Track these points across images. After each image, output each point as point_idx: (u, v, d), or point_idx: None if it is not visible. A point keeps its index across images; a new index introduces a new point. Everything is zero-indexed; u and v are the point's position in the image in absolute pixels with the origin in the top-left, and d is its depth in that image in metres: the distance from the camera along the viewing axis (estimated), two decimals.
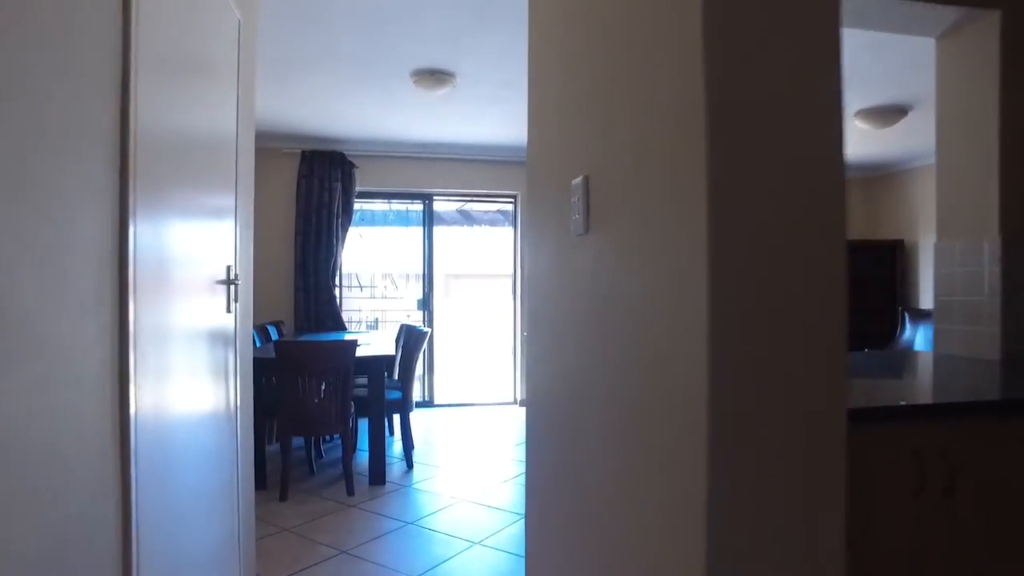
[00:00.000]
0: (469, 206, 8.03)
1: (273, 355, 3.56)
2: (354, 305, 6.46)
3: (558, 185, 1.68)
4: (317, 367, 3.57)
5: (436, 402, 6.53)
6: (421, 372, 6.41)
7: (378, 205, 6.48)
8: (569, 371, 1.61)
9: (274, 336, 5.08)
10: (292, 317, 5.88)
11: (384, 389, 3.95)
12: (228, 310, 2.11)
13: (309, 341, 3.69)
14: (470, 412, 6.24)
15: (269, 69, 4.03)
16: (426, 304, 6.41)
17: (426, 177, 6.31)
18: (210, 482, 1.92)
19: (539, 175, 1.91)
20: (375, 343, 4.72)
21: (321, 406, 3.60)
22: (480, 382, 8.14)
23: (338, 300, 6.07)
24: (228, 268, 2.11)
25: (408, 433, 4.42)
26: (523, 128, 5.76)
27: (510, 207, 6.78)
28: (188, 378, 1.75)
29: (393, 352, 4.12)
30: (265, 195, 6.01)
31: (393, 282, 6.44)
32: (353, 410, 3.99)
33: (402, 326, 5.28)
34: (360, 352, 4.02)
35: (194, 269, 1.80)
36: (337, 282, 6.09)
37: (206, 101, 1.90)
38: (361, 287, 6.42)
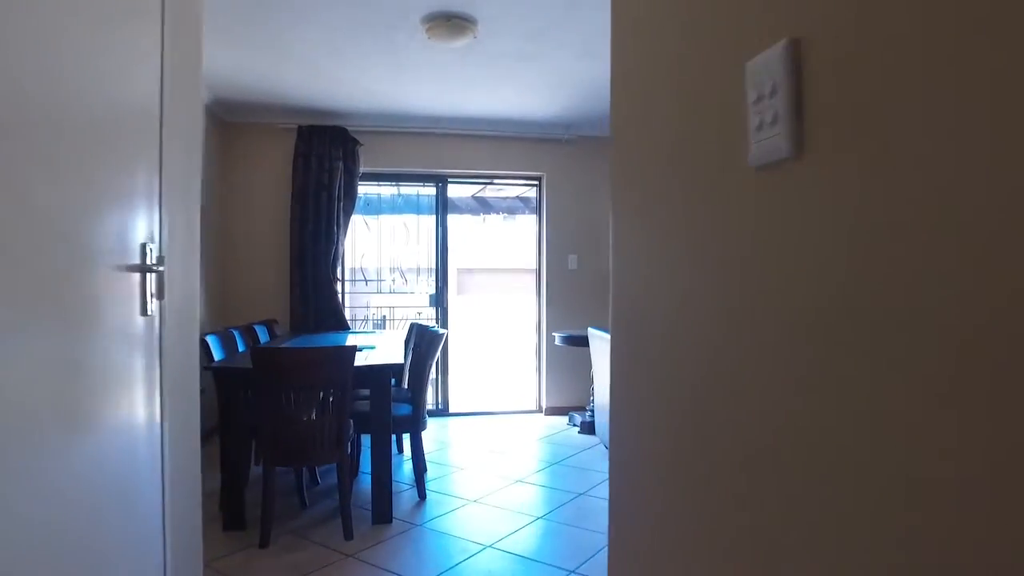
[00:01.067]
0: (486, 192, 7.28)
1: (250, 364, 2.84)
2: (359, 301, 5.75)
3: (699, 79, 0.93)
4: (305, 380, 2.85)
5: (451, 410, 5.80)
6: (434, 375, 5.69)
7: (385, 189, 5.75)
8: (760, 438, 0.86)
9: (263, 338, 4.36)
10: (288, 315, 5.17)
11: (390, 405, 3.23)
12: (145, 311, 1.39)
13: (295, 348, 2.96)
14: (489, 422, 5.51)
15: (240, 12, 3.30)
16: (439, 300, 5.68)
17: (439, 156, 5.57)
18: (102, 524, 1.22)
19: (642, 68, 1.14)
20: (382, 346, 3.99)
21: (311, 429, 2.88)
22: (499, 387, 7.41)
23: (341, 296, 5.36)
24: (145, 249, 1.38)
25: (420, 455, 3.69)
26: (552, 94, 5.03)
27: (532, 192, 6.03)
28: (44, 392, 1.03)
29: (401, 359, 3.39)
30: (256, 177, 5.29)
31: (402, 276, 5.71)
32: (352, 428, 3.28)
33: (412, 325, 4.56)
34: (362, 360, 3.29)
35: (71, 261, 1.08)
36: (339, 276, 5.38)
37: (88, 50, 1.19)
38: (367, 281, 5.70)
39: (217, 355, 3.38)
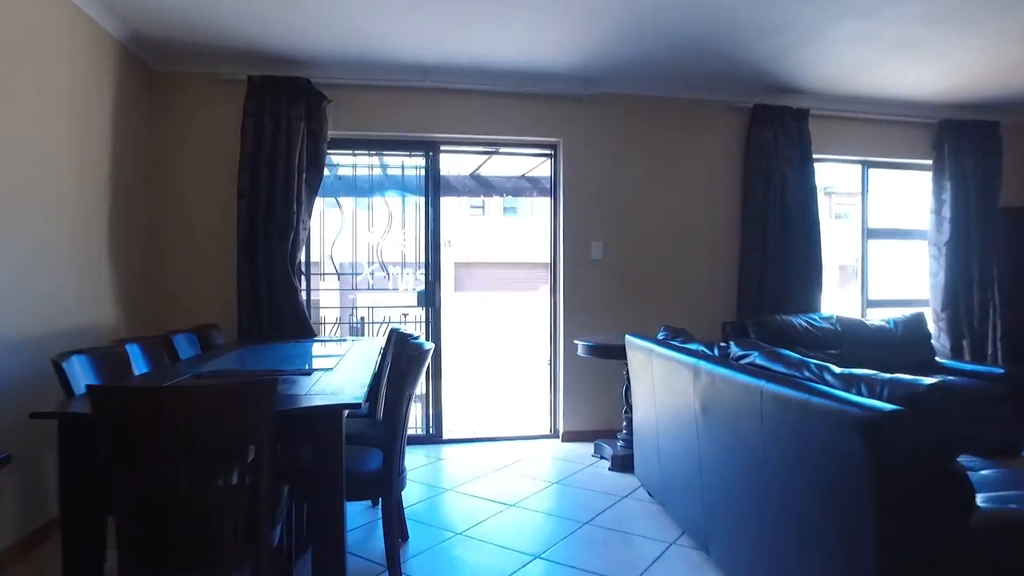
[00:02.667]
0: (486, 169, 6.12)
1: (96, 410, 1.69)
2: (330, 301, 4.61)
3: None
4: (189, 436, 1.71)
5: (445, 435, 4.66)
6: (424, 391, 4.55)
7: (361, 160, 4.59)
8: None
9: (186, 352, 3.22)
10: (235, 318, 4.03)
11: (341, 465, 2.08)
12: None
13: (163, 387, 1.82)
14: (492, 453, 4.37)
15: None
16: (429, 299, 4.53)
17: (430, 117, 4.42)
18: None
19: None
20: (347, 365, 2.86)
21: (201, 515, 1.74)
22: (505, 406, 6.26)
23: (305, 294, 4.23)
24: None
25: (396, 520, 2.55)
26: (576, 32, 3.29)
27: (543, 170, 4.89)
28: None
29: (363, 391, 2.24)
30: (194, 142, 4.16)
31: (384, 270, 4.57)
32: (289, 499, 2.14)
33: (392, 332, 3.41)
34: (307, 389, 2.16)
35: None
36: (303, 268, 4.24)
37: None
38: (339, 276, 4.56)
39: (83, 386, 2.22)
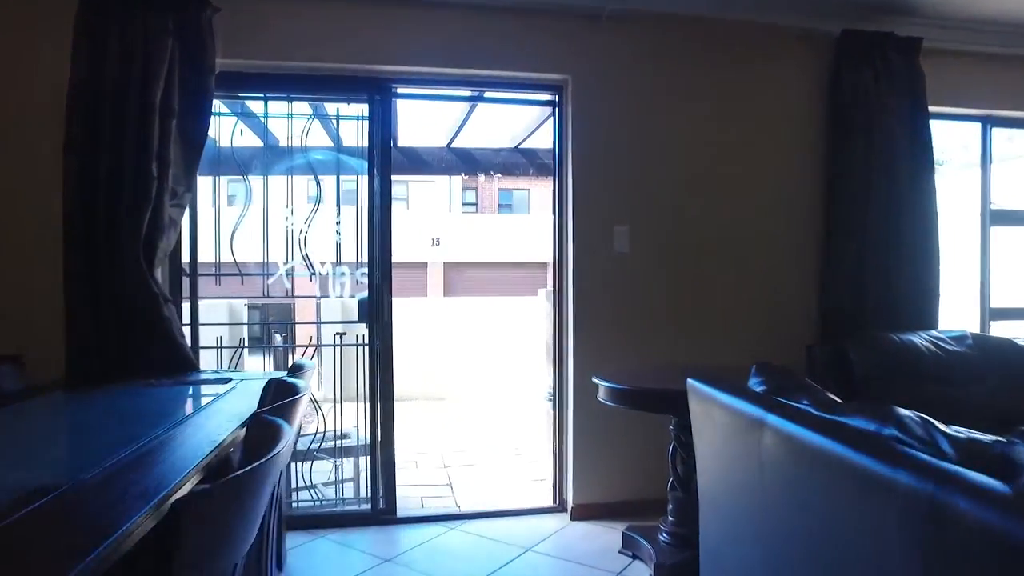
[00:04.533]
0: (469, 138, 4.66)
1: None
2: (226, 315, 3.17)
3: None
4: None
5: (401, 512, 3.20)
6: (368, 440, 3.12)
7: (276, 107, 3.12)
8: None
9: None
10: (62, 343, 2.56)
11: None
12: None
13: None
14: (471, 541, 2.93)
15: None
16: (376, 311, 3.06)
17: (379, 42, 2.97)
18: None
19: None
20: (177, 447, 1.41)
21: None
22: (492, 463, 4.73)
23: (188, 305, 2.79)
24: None
25: None
26: None
27: (543, 138, 3.45)
28: None
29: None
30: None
31: (310, 268, 3.10)
32: None
33: (270, 384, 1.91)
34: None
35: None
36: (180, 262, 2.80)
37: None
38: (243, 278, 3.09)
39: None
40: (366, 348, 3.06)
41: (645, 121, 3.19)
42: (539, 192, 22.75)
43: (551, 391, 4.06)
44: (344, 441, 3.47)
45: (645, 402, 2.40)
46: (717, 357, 3.13)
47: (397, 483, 3.17)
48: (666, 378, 2.51)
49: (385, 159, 3.07)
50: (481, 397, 7.94)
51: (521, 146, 4.92)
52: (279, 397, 1.67)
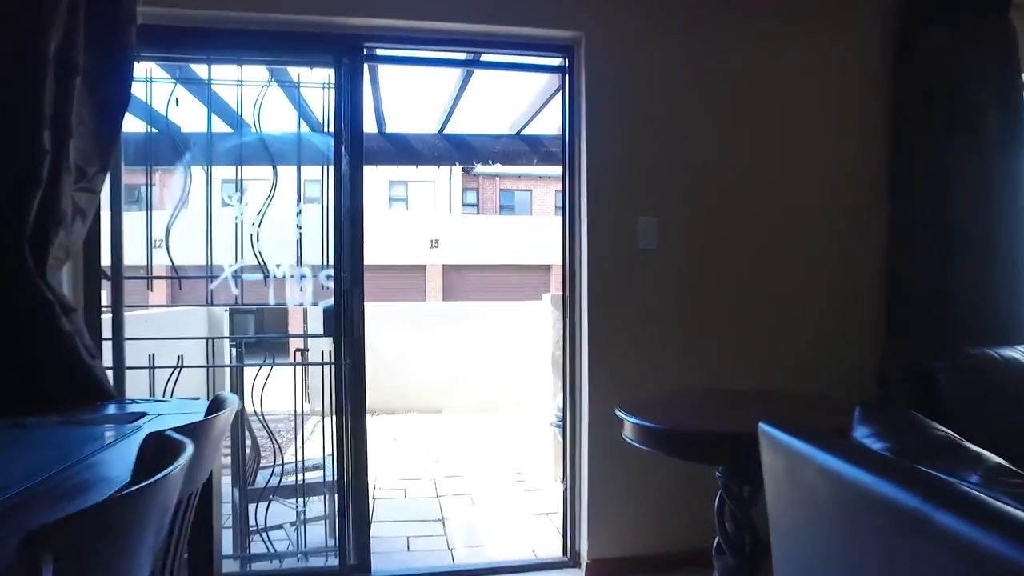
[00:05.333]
0: (463, 122, 4.09)
1: None
2: (158, 328, 2.59)
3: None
4: None
5: (377, 570, 2.61)
6: (335, 480, 2.54)
7: (222, 72, 2.54)
8: None
9: None
10: None
11: None
12: None
13: None
14: None
15: None
16: (345, 324, 2.46)
17: None
18: None
19: None
20: None
21: None
22: (492, 492, 4.09)
23: (111, 316, 2.21)
24: None
25: None
26: None
27: (547, 123, 2.89)
28: None
29: None
30: None
31: (262, 269, 2.50)
32: None
33: (145, 446, 1.30)
34: None
35: None
36: (99, 263, 2.22)
37: None
38: (181, 283, 2.50)
39: None
40: (331, 368, 2.47)
41: (674, 91, 2.60)
42: (541, 193, 22.20)
43: (558, 415, 3.47)
44: (312, 475, 2.90)
45: (688, 448, 1.80)
46: (765, 377, 2.55)
47: (381, 517, 2.62)
48: (711, 412, 1.94)
49: (356, 137, 2.48)
50: (480, 410, 7.34)
51: (523, 132, 4.34)
52: (156, 463, 1.09)
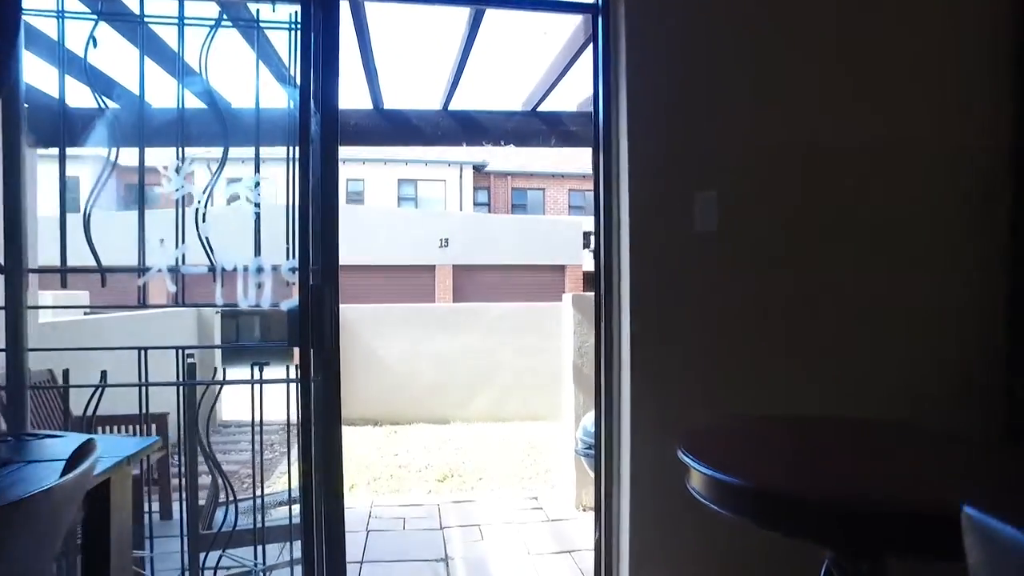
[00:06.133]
0: (469, 96, 3.54)
1: None
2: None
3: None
4: None
5: None
6: (307, 522, 1.96)
7: (160, 8, 1.99)
8: None
9: None
10: None
11: None
12: None
13: None
14: None
15: None
16: (314, 331, 1.90)
17: None
18: None
19: None
20: None
21: None
22: (506, 528, 3.47)
23: None
24: None
25: None
26: None
27: (565, 96, 2.63)
28: None
29: None
30: None
31: (210, 257, 1.95)
32: None
33: None
34: None
35: None
36: None
37: None
38: (101, 272, 1.95)
39: None
40: (296, 388, 1.90)
41: (742, 38, 2.02)
42: (555, 192, 21.62)
43: (585, 440, 2.90)
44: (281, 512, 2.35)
45: (794, 521, 1.20)
46: (858, 402, 1.96)
47: (374, 555, 2.16)
48: (819, 458, 1.35)
49: (329, 92, 1.92)
50: (492, 420, 6.78)
51: (538, 108, 3.78)
52: None
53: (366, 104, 3.72)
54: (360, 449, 5.64)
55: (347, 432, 6.78)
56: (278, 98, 2.12)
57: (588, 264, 17.29)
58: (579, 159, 22.87)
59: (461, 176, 19.85)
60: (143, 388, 1.95)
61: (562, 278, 14.50)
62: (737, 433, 1.56)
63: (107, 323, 4.87)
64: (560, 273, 14.65)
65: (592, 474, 3.15)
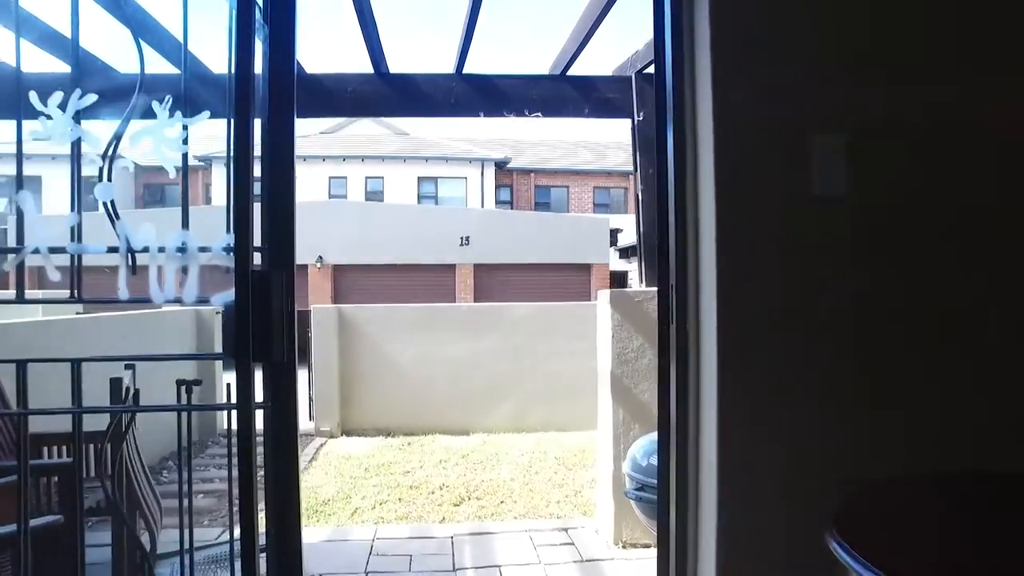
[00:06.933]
0: (487, 59, 2.97)
1: None
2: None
3: None
4: None
5: None
6: None
7: None
8: None
9: None
10: None
11: None
12: None
13: None
14: None
15: None
16: (259, 337, 1.33)
17: None
18: None
19: None
20: None
21: None
22: None
23: None
24: None
25: None
26: None
27: (595, 58, 2.07)
28: None
29: None
30: None
31: (116, 228, 1.38)
32: None
33: None
34: None
35: None
36: None
37: None
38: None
39: None
40: (237, 416, 1.32)
41: None
42: (579, 190, 20.92)
43: (635, 478, 2.29)
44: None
45: None
46: None
47: None
48: None
49: (285, 14, 1.33)
50: (516, 431, 6.17)
51: (568, 72, 3.18)
52: None
53: (365, 68, 3.15)
54: (368, 464, 5.07)
55: (356, 444, 6.09)
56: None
57: (615, 263, 16.59)
58: (604, 157, 22.14)
59: (483, 173, 19.28)
60: (24, 417, 1.38)
61: (588, 277, 13.84)
62: (910, 501, 0.94)
63: (80, 324, 4.35)
64: (586, 272, 14.00)
65: (643, 518, 2.53)
